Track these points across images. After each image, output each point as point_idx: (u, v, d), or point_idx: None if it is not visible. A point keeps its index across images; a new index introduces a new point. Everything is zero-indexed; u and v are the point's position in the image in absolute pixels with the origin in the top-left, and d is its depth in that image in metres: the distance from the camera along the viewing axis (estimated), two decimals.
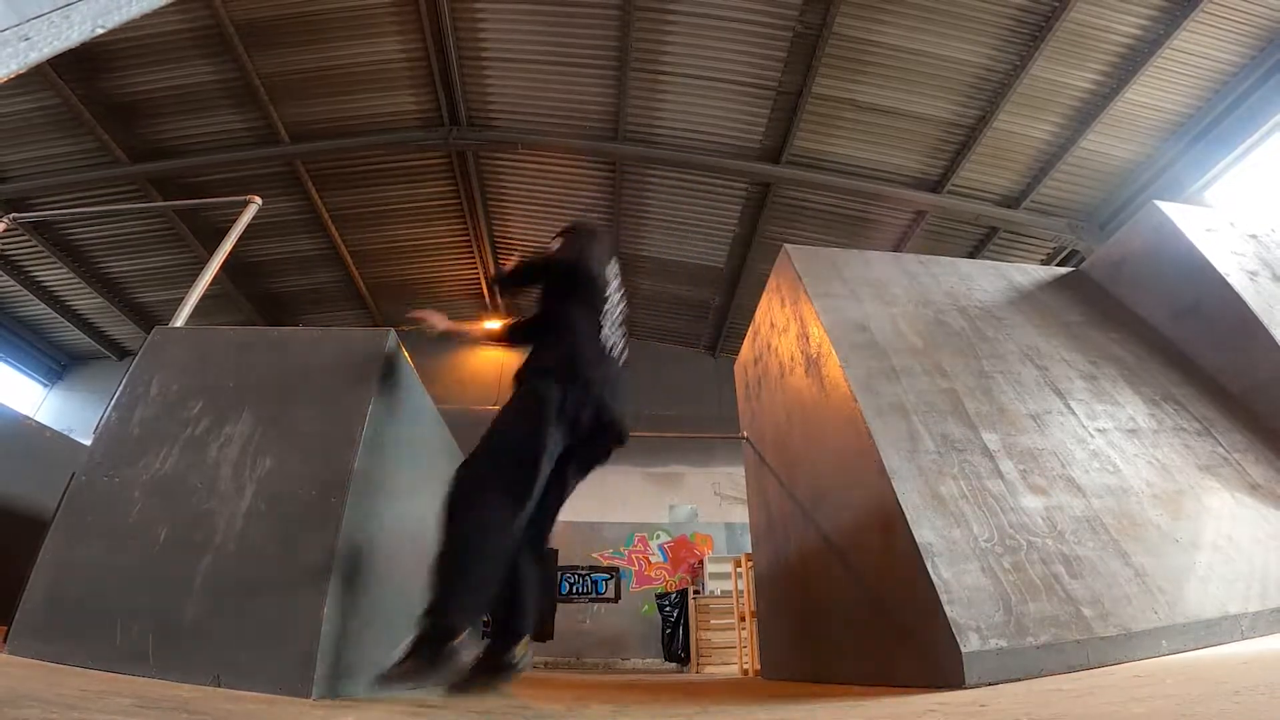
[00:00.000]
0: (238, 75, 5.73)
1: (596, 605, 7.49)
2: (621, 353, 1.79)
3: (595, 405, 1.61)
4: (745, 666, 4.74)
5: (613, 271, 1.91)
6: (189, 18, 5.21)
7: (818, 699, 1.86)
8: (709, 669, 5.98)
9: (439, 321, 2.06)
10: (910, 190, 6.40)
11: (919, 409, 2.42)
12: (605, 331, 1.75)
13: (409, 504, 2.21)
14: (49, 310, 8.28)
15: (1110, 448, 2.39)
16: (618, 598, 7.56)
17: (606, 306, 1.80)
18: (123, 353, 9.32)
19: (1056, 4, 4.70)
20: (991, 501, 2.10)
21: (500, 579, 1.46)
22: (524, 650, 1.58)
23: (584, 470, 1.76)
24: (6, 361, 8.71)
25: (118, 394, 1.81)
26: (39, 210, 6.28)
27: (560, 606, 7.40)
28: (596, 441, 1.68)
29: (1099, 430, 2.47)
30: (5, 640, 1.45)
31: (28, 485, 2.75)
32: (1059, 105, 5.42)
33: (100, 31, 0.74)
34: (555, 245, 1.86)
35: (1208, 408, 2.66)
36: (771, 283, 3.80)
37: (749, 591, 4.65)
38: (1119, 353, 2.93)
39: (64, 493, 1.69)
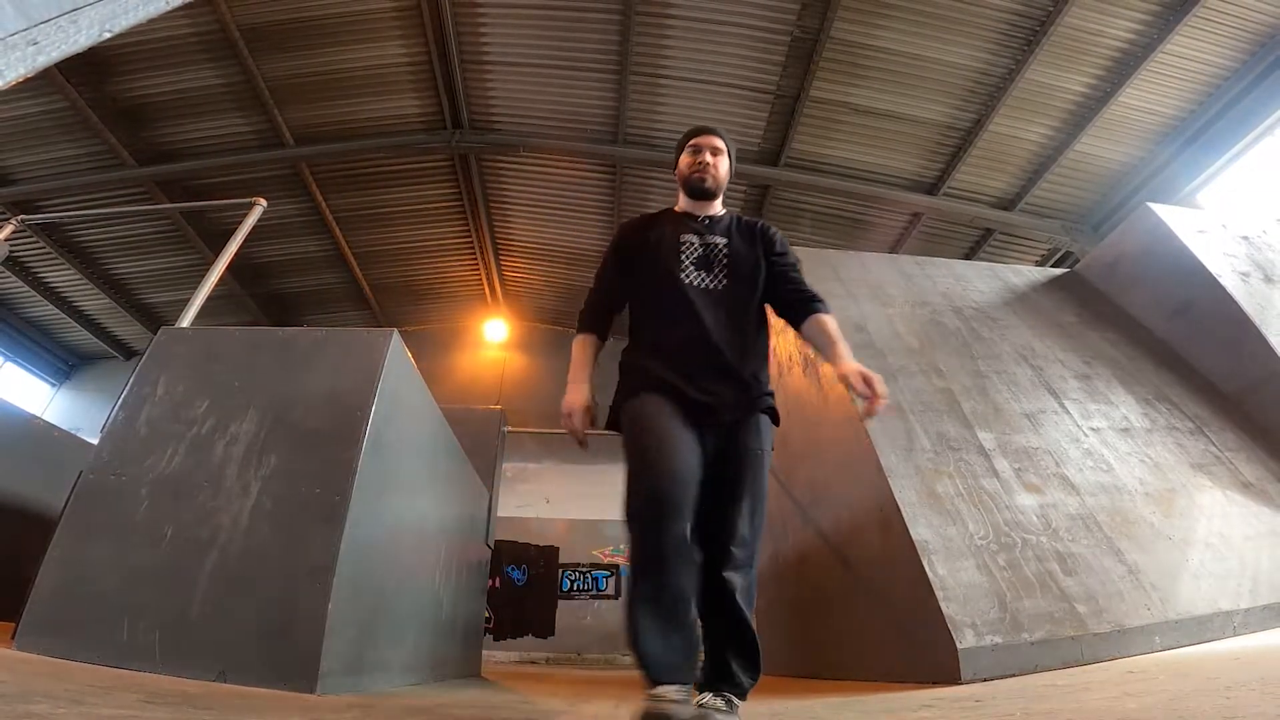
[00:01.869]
0: (243, 79, 5.78)
1: (597, 602, 7.52)
2: None
3: None
4: None
5: None
6: (195, 22, 5.26)
7: (816, 694, 1.88)
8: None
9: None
10: (907, 192, 6.44)
11: (915, 408, 2.45)
12: None
13: (412, 502, 2.23)
14: (57, 311, 8.32)
15: (1104, 446, 2.41)
16: (618, 594, 7.57)
17: None
18: (130, 353, 9.35)
19: (1051, 8, 4.75)
20: (987, 500, 2.12)
21: None
22: None
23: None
24: (15, 361, 8.75)
25: (125, 394, 1.83)
26: (47, 212, 6.32)
27: (562, 603, 7.44)
28: None
29: (1093, 429, 2.49)
30: (14, 636, 1.47)
31: (36, 484, 2.78)
32: (1054, 109, 5.47)
33: (107, 36, 0.74)
34: None
35: (1200, 407, 2.69)
36: None
37: None
38: (1112, 353, 2.96)
39: (72, 491, 1.70)
